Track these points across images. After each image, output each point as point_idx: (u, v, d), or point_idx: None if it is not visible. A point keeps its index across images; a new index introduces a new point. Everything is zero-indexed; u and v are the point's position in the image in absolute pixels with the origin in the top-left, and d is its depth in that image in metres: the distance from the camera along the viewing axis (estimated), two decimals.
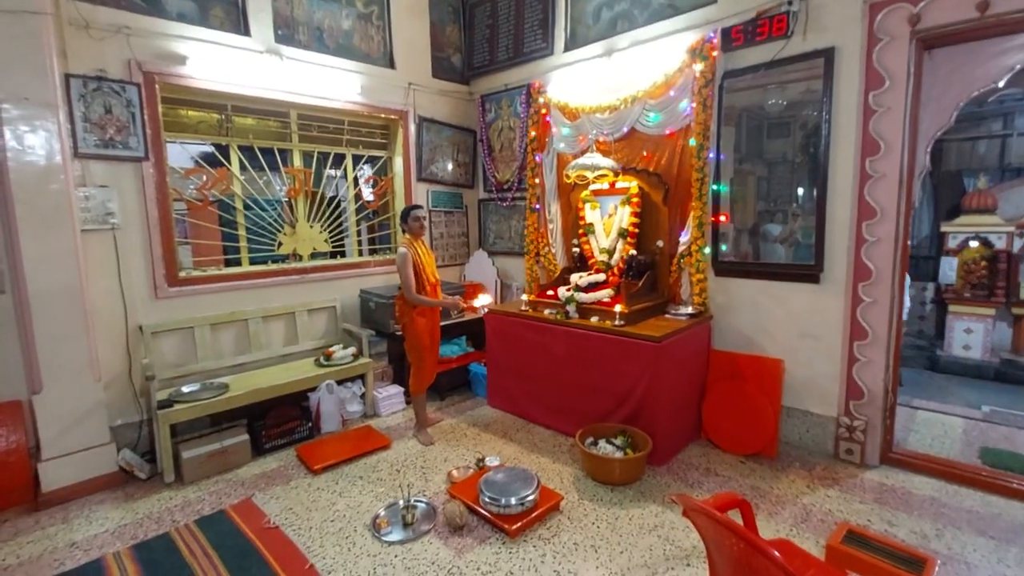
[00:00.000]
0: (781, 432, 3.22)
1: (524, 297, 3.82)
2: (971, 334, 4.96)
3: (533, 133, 4.39)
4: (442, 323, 3.63)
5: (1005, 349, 4.94)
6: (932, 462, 2.93)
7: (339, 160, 4.40)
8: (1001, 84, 2.59)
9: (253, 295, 3.78)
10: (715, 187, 3.37)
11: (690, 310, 3.43)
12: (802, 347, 3.18)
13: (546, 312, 3.66)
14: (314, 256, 4.23)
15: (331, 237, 4.31)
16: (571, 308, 3.48)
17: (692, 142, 3.36)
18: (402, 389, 4.07)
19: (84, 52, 2.99)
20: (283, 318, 3.94)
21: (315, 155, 4.19)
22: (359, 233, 4.77)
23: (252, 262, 3.93)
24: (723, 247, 3.43)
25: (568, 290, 3.60)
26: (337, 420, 3.68)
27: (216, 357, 3.59)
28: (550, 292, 3.80)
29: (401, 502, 2.62)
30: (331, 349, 3.83)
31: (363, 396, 3.93)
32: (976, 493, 2.68)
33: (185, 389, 3.23)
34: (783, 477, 2.91)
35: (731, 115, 3.30)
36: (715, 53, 3.25)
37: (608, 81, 3.85)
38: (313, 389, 3.60)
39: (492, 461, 2.86)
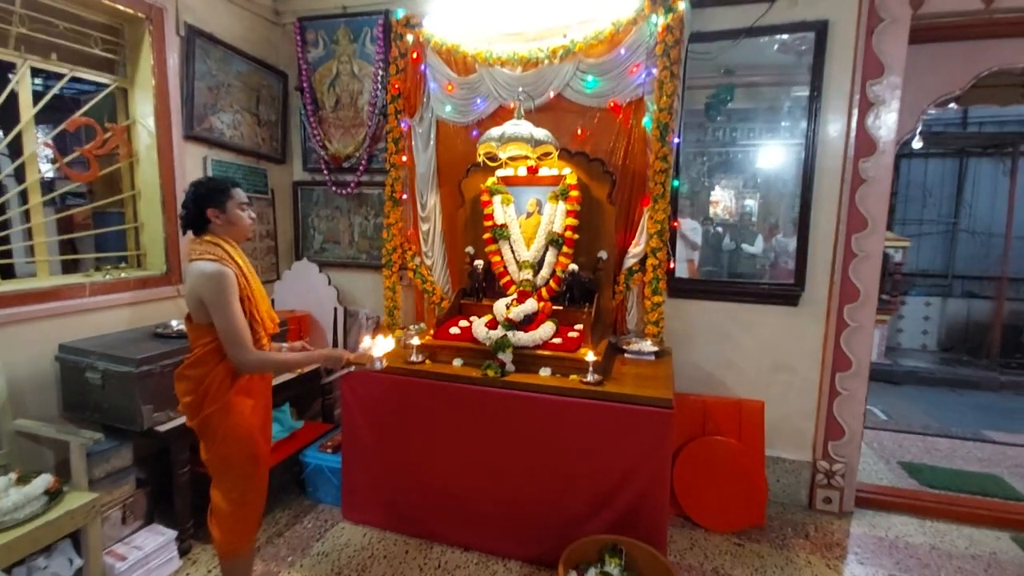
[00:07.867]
0: None
1: (415, 340, 2.36)
2: None
3: (397, 86, 2.91)
4: None
5: None
6: (896, 496, 2.72)
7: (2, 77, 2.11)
8: (957, 92, 2.47)
9: None
10: (674, 184, 2.59)
11: (650, 345, 2.56)
12: (775, 382, 2.64)
13: (455, 363, 2.31)
14: None
15: None
16: (506, 357, 2.21)
17: (649, 122, 2.50)
18: (172, 534, 2.11)
19: None
20: None
21: None
22: (54, 231, 2.47)
23: None
24: (679, 261, 2.68)
25: (490, 326, 2.32)
26: None
27: None
28: (454, 330, 2.45)
29: None
30: None
31: (81, 571, 1.86)
32: (953, 527, 2.52)
33: None
34: (795, 559, 2.27)
35: (696, 91, 2.56)
36: (681, 5, 2.44)
37: (526, 21, 2.69)
38: None
39: None
